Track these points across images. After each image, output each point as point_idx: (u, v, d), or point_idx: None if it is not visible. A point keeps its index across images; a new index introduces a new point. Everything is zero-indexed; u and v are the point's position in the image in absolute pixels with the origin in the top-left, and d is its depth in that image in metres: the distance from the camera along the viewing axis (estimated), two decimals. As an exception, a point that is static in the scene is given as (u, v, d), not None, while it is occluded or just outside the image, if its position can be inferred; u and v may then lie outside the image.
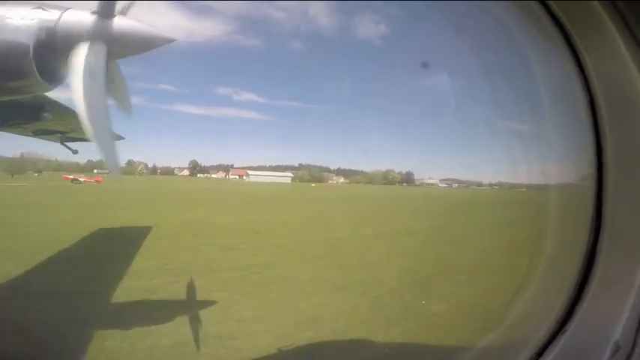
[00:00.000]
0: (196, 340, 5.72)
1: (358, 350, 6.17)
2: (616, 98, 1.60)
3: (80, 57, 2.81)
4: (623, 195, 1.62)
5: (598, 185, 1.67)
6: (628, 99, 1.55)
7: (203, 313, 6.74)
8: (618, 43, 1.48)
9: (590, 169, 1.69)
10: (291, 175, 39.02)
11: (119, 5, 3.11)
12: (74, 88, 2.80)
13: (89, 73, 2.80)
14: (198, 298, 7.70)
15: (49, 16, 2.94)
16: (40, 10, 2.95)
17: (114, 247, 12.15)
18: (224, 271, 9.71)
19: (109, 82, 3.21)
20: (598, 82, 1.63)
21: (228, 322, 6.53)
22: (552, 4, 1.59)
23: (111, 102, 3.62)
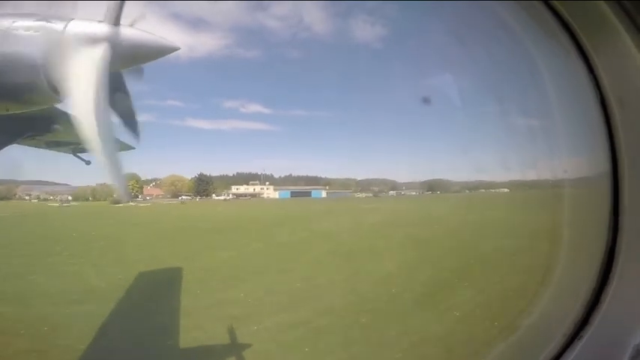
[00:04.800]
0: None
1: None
2: (627, 96, 1.57)
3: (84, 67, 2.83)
4: None
5: (614, 185, 1.62)
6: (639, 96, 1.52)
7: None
8: (627, 42, 1.46)
9: (605, 169, 1.65)
10: None
11: (129, 18, 3.13)
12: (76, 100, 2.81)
13: (93, 83, 2.80)
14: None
15: (54, 27, 2.96)
16: (44, 22, 2.97)
17: None
18: None
19: (114, 94, 3.21)
20: (608, 82, 1.61)
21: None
22: (558, 5, 1.57)
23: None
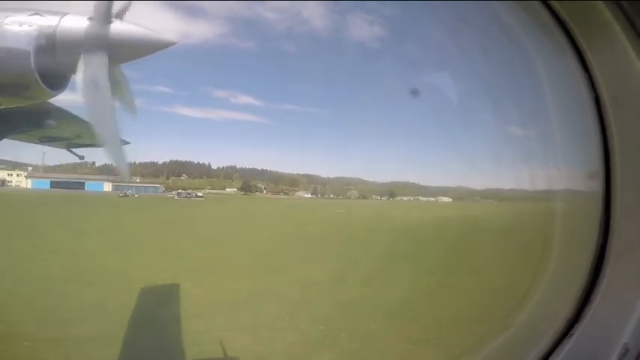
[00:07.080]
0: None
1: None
2: (622, 98, 1.57)
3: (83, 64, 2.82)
4: (632, 196, 1.58)
5: (606, 187, 1.63)
6: (634, 98, 1.52)
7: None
8: (623, 42, 1.46)
9: (598, 167, 1.66)
10: None
11: (115, 8, 3.09)
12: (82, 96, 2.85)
13: (93, 79, 2.81)
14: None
15: (48, 21, 2.90)
16: (38, 16, 2.92)
17: None
18: None
19: (113, 84, 3.21)
20: (603, 81, 1.60)
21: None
22: (555, 5, 1.56)
23: (117, 104, 3.69)
